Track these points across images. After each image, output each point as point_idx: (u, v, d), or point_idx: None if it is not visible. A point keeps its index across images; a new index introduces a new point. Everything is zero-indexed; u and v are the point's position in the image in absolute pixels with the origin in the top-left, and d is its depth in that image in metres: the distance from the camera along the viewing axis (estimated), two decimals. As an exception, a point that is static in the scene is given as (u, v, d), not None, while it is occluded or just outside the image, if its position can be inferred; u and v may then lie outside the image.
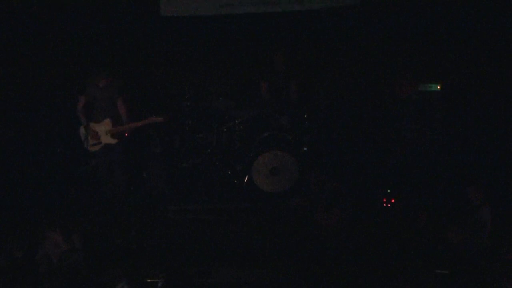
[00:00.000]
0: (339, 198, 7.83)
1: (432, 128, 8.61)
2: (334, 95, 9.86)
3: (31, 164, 9.20)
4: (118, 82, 8.31)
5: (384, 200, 8.31)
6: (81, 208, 8.48)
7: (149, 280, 6.67)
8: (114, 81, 8.29)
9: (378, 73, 9.74)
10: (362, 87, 9.88)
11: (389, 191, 8.37)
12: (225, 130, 9.30)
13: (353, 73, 9.91)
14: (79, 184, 8.90)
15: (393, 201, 8.26)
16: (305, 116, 9.14)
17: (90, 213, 8.38)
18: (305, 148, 9.16)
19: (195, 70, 10.06)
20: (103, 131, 8.31)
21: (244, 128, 9.33)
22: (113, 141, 8.32)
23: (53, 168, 9.25)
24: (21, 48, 9.54)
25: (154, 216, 8.50)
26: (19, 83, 9.56)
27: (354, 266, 6.91)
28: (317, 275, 6.83)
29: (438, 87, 8.97)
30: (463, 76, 9.38)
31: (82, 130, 8.46)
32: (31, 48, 9.58)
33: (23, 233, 6.62)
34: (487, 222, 6.85)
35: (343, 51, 9.91)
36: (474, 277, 6.16)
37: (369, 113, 9.71)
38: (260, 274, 7.02)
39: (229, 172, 9.13)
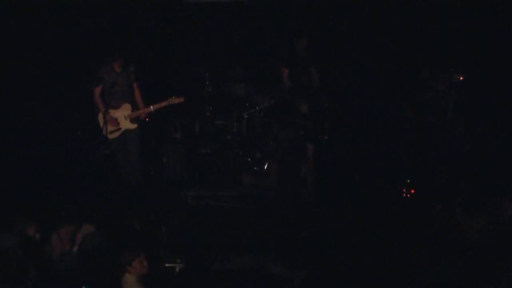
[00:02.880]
0: None
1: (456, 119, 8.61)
2: (356, 82, 9.66)
3: (51, 151, 9.15)
4: (133, 67, 8.22)
5: (404, 190, 8.27)
6: (100, 194, 8.46)
7: (167, 265, 6.76)
8: (130, 66, 8.20)
9: (404, 62, 9.56)
10: (385, 76, 9.66)
11: (408, 181, 8.35)
12: (245, 116, 9.29)
13: (377, 60, 9.69)
14: (98, 170, 8.89)
15: (412, 191, 8.20)
16: (326, 104, 8.94)
17: (109, 199, 8.39)
18: (325, 137, 8.95)
19: (216, 56, 9.99)
20: (122, 117, 8.24)
21: (264, 115, 9.27)
22: (133, 126, 8.28)
23: (72, 154, 9.20)
24: (40, 34, 9.53)
25: (173, 202, 8.50)
26: (37, 71, 9.45)
27: (367, 255, 6.84)
28: (333, 264, 6.78)
29: (461, 78, 8.85)
30: (486, 67, 9.16)
31: (100, 117, 8.34)
32: (48, 34, 9.57)
33: (37, 213, 6.55)
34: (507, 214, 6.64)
35: (367, 36, 9.75)
36: (487, 268, 6.06)
37: (393, 101, 9.52)
38: (277, 262, 6.96)
39: (249, 159, 9.15)
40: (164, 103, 8.19)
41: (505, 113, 8.85)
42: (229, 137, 9.46)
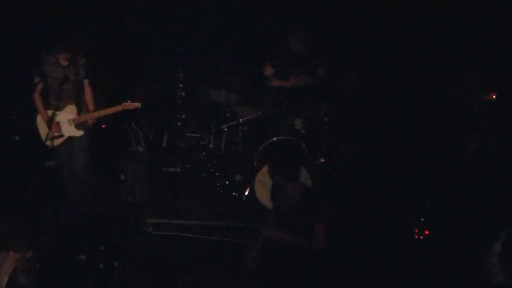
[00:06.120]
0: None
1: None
2: (362, 92, 9.00)
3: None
4: (84, 59, 7.41)
5: (416, 230, 7.65)
6: (41, 214, 7.60)
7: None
8: (80, 59, 7.36)
9: (423, 67, 8.99)
10: (399, 85, 9.11)
11: (423, 219, 7.70)
12: (225, 130, 8.66)
13: (388, 65, 9.14)
14: (39, 185, 7.93)
15: (427, 232, 7.62)
16: (325, 119, 8.38)
17: (51, 221, 7.62)
18: (321, 159, 8.40)
19: (193, 53, 9.42)
20: (66, 120, 7.44)
21: (249, 130, 8.64)
22: (78, 133, 7.50)
23: (7, 165, 8.58)
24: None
25: (129, 230, 7.78)
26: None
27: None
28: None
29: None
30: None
31: (40, 120, 7.57)
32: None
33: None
34: None
35: (380, 34, 9.22)
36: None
37: (407, 118, 8.98)
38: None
39: (227, 183, 8.46)
40: (117, 108, 7.45)
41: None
42: (203, 154, 8.94)
